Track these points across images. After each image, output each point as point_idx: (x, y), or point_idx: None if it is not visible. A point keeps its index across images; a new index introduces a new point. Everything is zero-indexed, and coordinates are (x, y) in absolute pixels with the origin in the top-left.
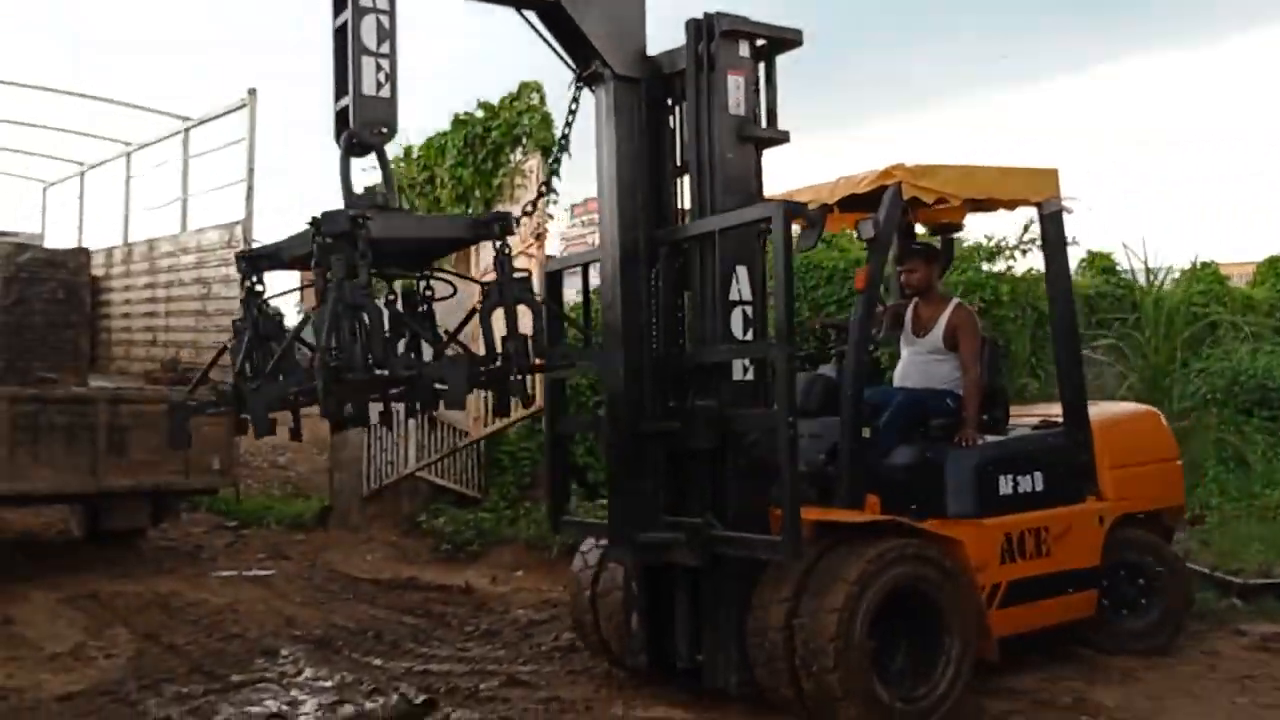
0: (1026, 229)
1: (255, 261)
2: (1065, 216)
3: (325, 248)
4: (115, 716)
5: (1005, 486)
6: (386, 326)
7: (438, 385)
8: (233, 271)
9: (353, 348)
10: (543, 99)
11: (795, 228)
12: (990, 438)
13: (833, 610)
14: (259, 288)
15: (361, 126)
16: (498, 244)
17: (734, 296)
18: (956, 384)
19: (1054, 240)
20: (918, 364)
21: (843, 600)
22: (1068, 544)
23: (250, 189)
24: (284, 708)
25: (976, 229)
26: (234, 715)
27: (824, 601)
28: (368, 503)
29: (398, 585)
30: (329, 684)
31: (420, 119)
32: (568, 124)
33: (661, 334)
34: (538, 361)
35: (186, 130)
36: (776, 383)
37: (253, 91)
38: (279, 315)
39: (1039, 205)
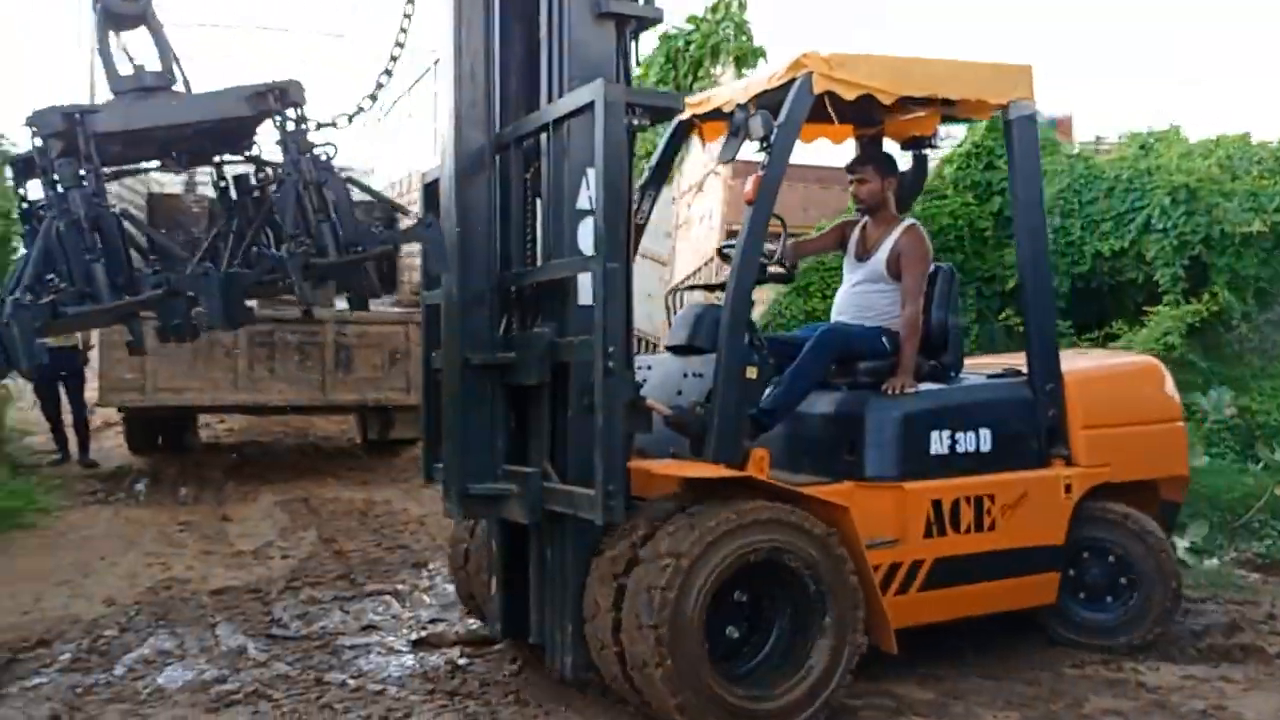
0: None
1: (27, 166)
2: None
3: (43, 151)
4: (245, 612)
5: (938, 444)
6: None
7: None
8: None
9: (91, 271)
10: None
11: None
12: (929, 386)
13: (658, 587)
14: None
15: None
16: (283, 118)
17: (582, 204)
18: (898, 320)
19: (1023, 151)
20: (855, 294)
21: (668, 576)
22: (1021, 516)
23: None
24: (385, 619)
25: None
26: (338, 621)
27: (650, 576)
28: None
29: None
30: (441, 602)
31: None
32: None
33: (516, 249)
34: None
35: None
36: (596, 304)
37: None
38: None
39: (1004, 108)
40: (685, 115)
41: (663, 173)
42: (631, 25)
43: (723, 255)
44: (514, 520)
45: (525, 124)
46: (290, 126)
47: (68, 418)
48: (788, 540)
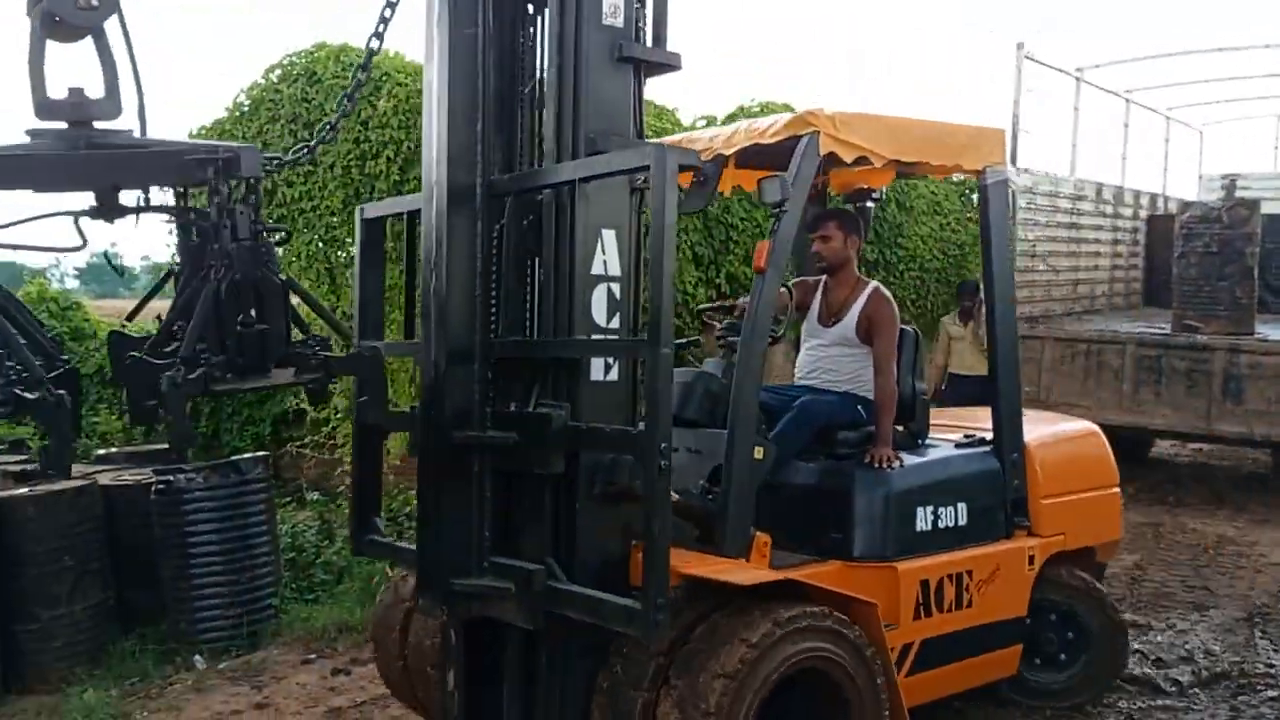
0: None
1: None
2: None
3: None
4: None
5: (924, 520)
6: None
7: None
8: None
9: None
10: None
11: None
12: (910, 458)
13: (709, 713)
14: None
15: None
16: (219, 194)
17: (597, 270)
18: (868, 385)
19: (996, 214)
20: (824, 358)
21: (716, 698)
22: (993, 591)
23: None
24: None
25: None
26: None
27: (693, 699)
28: None
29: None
30: None
31: None
32: (378, 33)
33: (502, 313)
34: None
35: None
36: (647, 395)
37: None
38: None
39: (979, 173)
40: None
41: None
42: (648, 70)
43: (704, 321)
44: (506, 621)
45: (542, 175)
46: (238, 208)
47: None
48: (828, 648)
